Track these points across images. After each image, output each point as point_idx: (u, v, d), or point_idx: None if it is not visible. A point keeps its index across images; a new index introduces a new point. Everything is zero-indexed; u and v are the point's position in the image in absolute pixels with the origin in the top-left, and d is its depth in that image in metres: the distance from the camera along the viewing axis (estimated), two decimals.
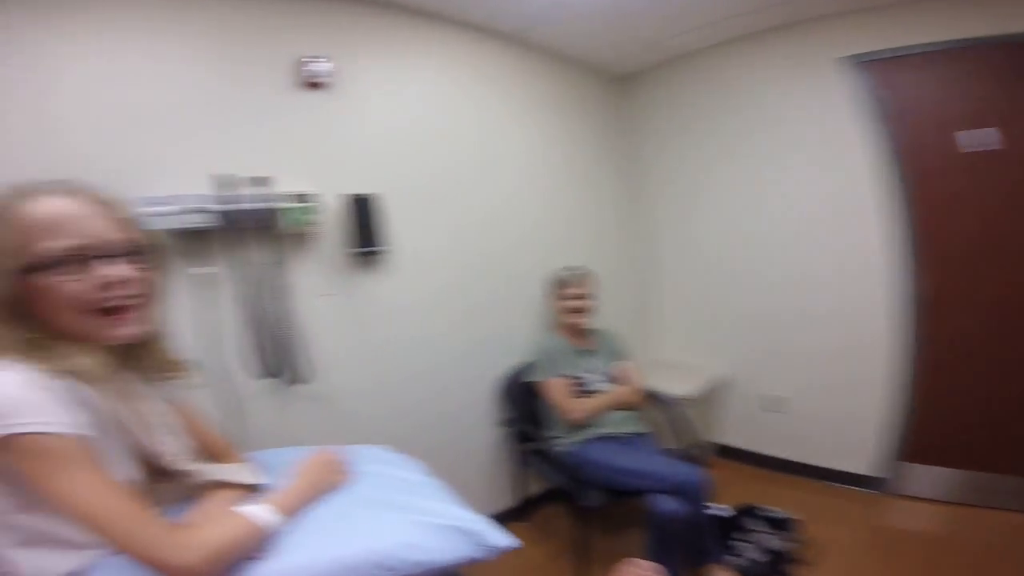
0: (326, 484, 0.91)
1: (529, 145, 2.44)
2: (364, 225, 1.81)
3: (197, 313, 1.53)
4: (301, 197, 1.63)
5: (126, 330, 0.76)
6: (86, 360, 0.70)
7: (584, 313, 2.17)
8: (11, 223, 0.70)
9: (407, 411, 2.02)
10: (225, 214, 1.50)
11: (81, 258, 0.71)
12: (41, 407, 0.63)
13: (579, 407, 1.98)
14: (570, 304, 2.17)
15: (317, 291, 1.75)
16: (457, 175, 2.16)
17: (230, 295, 1.59)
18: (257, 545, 0.75)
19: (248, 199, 1.54)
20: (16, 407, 0.62)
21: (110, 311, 0.73)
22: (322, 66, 1.75)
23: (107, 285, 0.72)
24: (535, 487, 2.37)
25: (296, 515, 0.82)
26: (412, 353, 2.03)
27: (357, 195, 1.80)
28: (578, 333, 2.18)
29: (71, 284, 0.70)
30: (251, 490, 0.89)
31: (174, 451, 0.83)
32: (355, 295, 1.87)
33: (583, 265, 2.32)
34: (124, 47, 1.45)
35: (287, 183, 1.63)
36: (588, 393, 2.05)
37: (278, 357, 1.67)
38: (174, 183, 1.45)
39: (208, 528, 0.73)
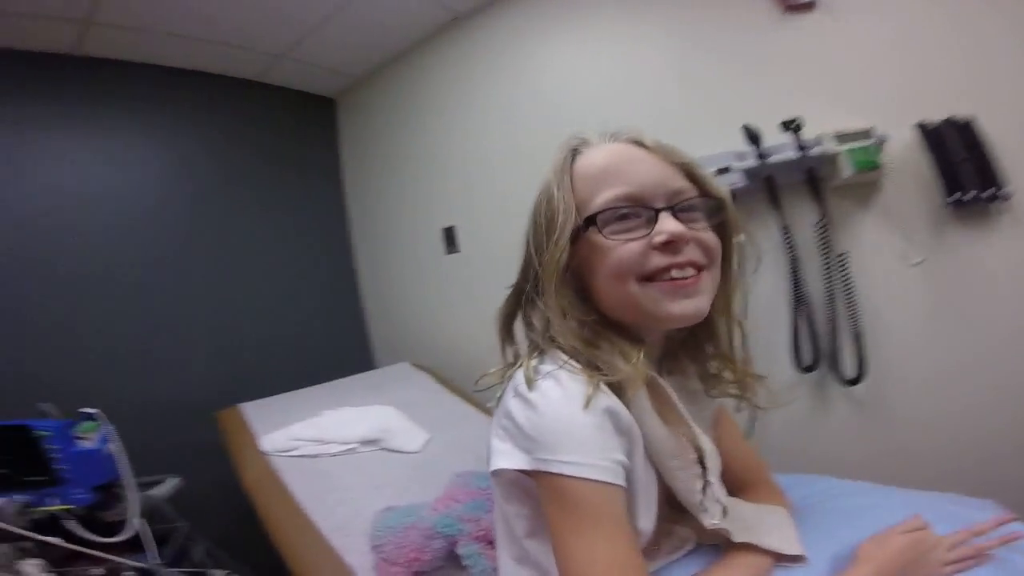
0: None
1: None
2: (961, 162, 1.16)
3: None
4: (854, 136, 1.21)
5: (687, 305, 0.57)
6: (638, 366, 0.56)
7: None
8: (570, 176, 0.62)
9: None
10: (754, 171, 1.28)
11: (636, 211, 0.58)
12: (589, 443, 0.52)
13: None
14: None
15: (886, 259, 1.24)
16: None
17: (767, 267, 1.33)
18: None
19: (783, 148, 1.27)
20: (563, 438, 0.52)
21: (668, 279, 0.57)
22: None
23: (667, 245, 0.56)
24: None
25: None
26: None
27: (944, 121, 1.18)
28: None
29: (625, 244, 0.57)
30: (789, 560, 0.62)
31: (713, 498, 0.62)
32: (946, 263, 1.22)
33: None
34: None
35: (822, 123, 1.25)
36: None
37: (817, 345, 1.26)
38: (699, 144, 1.37)
39: None
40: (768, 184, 1.29)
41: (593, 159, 0.62)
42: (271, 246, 2.17)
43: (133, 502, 1.16)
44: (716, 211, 0.62)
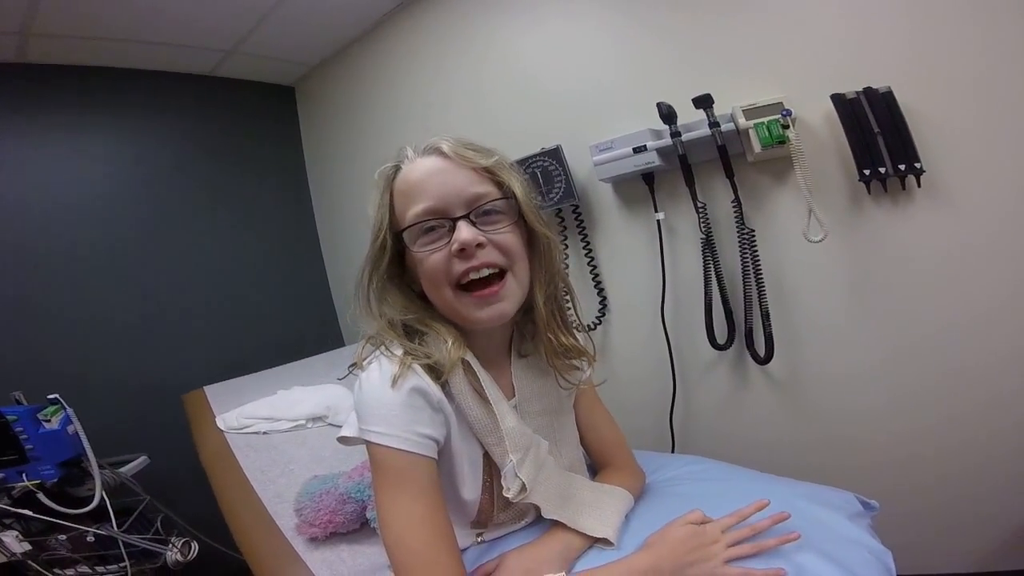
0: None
1: None
2: (876, 136, 1.15)
3: (642, 267, 1.40)
4: (763, 110, 1.21)
5: (492, 311, 0.64)
6: (451, 352, 0.64)
7: None
8: (390, 192, 0.68)
9: (929, 432, 1.20)
10: (668, 150, 1.31)
11: (440, 222, 0.63)
12: (396, 417, 0.60)
13: None
14: None
15: (796, 236, 1.25)
16: None
17: (682, 245, 1.37)
18: None
19: (698, 126, 1.28)
20: (374, 411, 0.61)
21: (471, 287, 0.64)
22: None
23: (461, 252, 0.62)
24: None
25: None
26: (957, 336, 1.16)
27: (860, 92, 1.16)
28: None
29: (431, 255, 0.63)
30: (601, 543, 0.68)
31: (526, 477, 0.67)
32: (862, 240, 1.23)
33: None
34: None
35: (733, 98, 1.25)
36: None
37: (733, 323, 1.30)
38: (616, 124, 1.41)
39: None
40: (683, 162, 1.31)
41: (407, 176, 0.67)
42: (239, 232, 2.26)
43: (96, 477, 1.28)
44: (514, 209, 0.67)
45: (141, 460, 1.51)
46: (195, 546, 1.34)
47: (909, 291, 1.20)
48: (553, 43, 1.62)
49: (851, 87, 1.17)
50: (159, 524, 1.39)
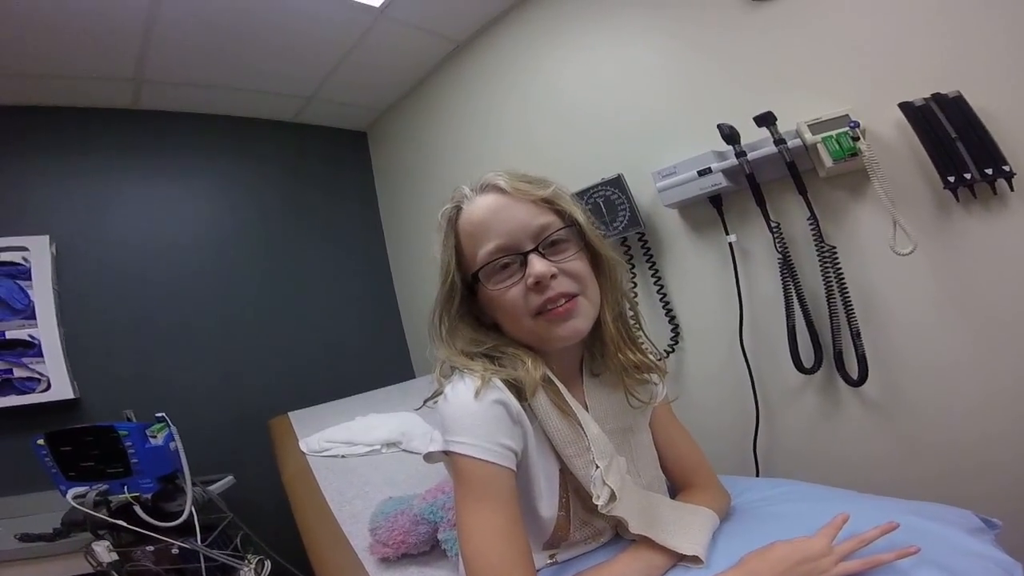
0: None
1: None
2: (954, 142, 1.09)
3: (715, 291, 1.37)
4: (829, 124, 1.18)
5: (567, 327, 0.67)
6: (530, 370, 0.66)
7: None
8: (455, 233, 0.71)
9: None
10: (734, 170, 1.30)
11: (512, 258, 0.67)
12: (479, 427, 0.62)
13: None
14: None
15: (883, 250, 1.17)
16: None
17: (757, 268, 1.33)
18: None
19: (762, 144, 1.27)
20: (458, 422, 0.62)
21: (548, 311, 0.66)
22: None
23: (536, 285, 0.65)
24: None
25: None
26: None
27: (929, 98, 1.11)
28: None
29: (508, 291, 0.66)
30: (689, 561, 0.66)
31: (613, 485, 0.67)
32: (952, 250, 1.15)
33: None
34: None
35: (795, 114, 1.22)
36: None
37: (820, 345, 1.23)
38: (677, 149, 1.41)
39: None
40: (751, 182, 1.29)
41: (470, 216, 0.70)
42: (322, 271, 2.44)
43: (188, 492, 1.36)
44: (579, 235, 0.69)
45: (228, 480, 1.60)
46: (268, 564, 1.38)
47: (1011, 293, 1.09)
48: (607, 72, 1.66)
49: (917, 94, 1.12)
50: (238, 541, 1.46)
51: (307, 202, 2.47)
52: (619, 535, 0.74)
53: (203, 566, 1.31)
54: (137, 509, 1.29)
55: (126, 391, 1.80)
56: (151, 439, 1.40)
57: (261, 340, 2.20)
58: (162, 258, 2.05)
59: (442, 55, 2.15)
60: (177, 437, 1.42)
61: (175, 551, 1.31)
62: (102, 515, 1.24)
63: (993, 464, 1.12)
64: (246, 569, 1.35)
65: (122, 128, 2.05)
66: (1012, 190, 1.06)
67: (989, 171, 1.06)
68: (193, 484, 1.40)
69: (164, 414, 1.43)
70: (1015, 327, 1.09)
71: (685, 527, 0.68)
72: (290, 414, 1.86)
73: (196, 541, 1.33)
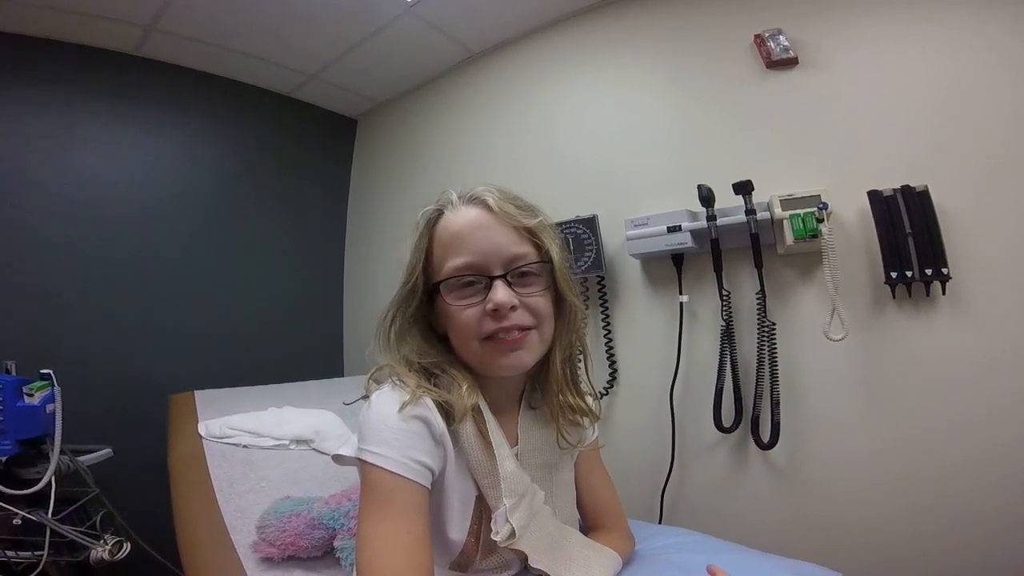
0: None
1: None
2: (907, 237, 1.16)
3: (658, 345, 1.40)
4: (800, 202, 1.23)
5: (513, 358, 0.65)
6: (464, 397, 0.64)
7: None
8: (429, 237, 0.69)
9: (922, 513, 1.16)
10: (702, 232, 1.34)
11: (477, 278, 0.65)
12: (395, 440, 0.60)
13: None
14: None
15: (816, 333, 1.24)
16: None
17: (701, 330, 1.38)
18: None
19: (731, 212, 1.32)
20: (375, 432, 0.61)
21: (497, 339, 0.65)
22: (784, 40, 1.36)
23: (495, 312, 0.63)
24: None
25: None
26: (958, 431, 1.15)
27: (897, 190, 1.18)
28: None
29: (465, 310, 0.64)
30: None
31: (516, 523, 0.65)
32: (879, 342, 1.23)
33: None
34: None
35: (773, 187, 1.30)
36: None
37: (742, 408, 1.31)
38: (654, 201, 1.46)
39: None
40: (714, 247, 1.33)
41: (448, 224, 0.67)
42: (270, 248, 2.29)
43: (52, 460, 1.20)
44: (548, 273, 0.68)
45: (104, 452, 1.42)
46: (127, 546, 1.23)
47: (918, 392, 1.19)
48: (604, 111, 1.70)
49: (889, 184, 1.20)
50: (98, 520, 1.28)
51: (275, 176, 2.33)
52: (527, 569, 0.71)
53: (47, 540, 1.14)
54: None
55: (13, 340, 1.57)
56: (26, 397, 1.23)
57: (183, 304, 2.00)
58: (92, 203, 1.86)
59: (454, 62, 2.14)
60: (59, 399, 1.25)
61: (17, 521, 1.13)
62: None
63: (872, 545, 1.20)
64: (99, 549, 1.19)
65: (121, 72, 1.93)
66: (944, 294, 1.16)
67: (929, 271, 1.15)
68: (62, 452, 1.23)
69: (51, 371, 1.27)
70: (914, 424, 1.18)
71: (588, 566, 0.69)
72: (196, 392, 1.69)
73: (45, 513, 1.15)
